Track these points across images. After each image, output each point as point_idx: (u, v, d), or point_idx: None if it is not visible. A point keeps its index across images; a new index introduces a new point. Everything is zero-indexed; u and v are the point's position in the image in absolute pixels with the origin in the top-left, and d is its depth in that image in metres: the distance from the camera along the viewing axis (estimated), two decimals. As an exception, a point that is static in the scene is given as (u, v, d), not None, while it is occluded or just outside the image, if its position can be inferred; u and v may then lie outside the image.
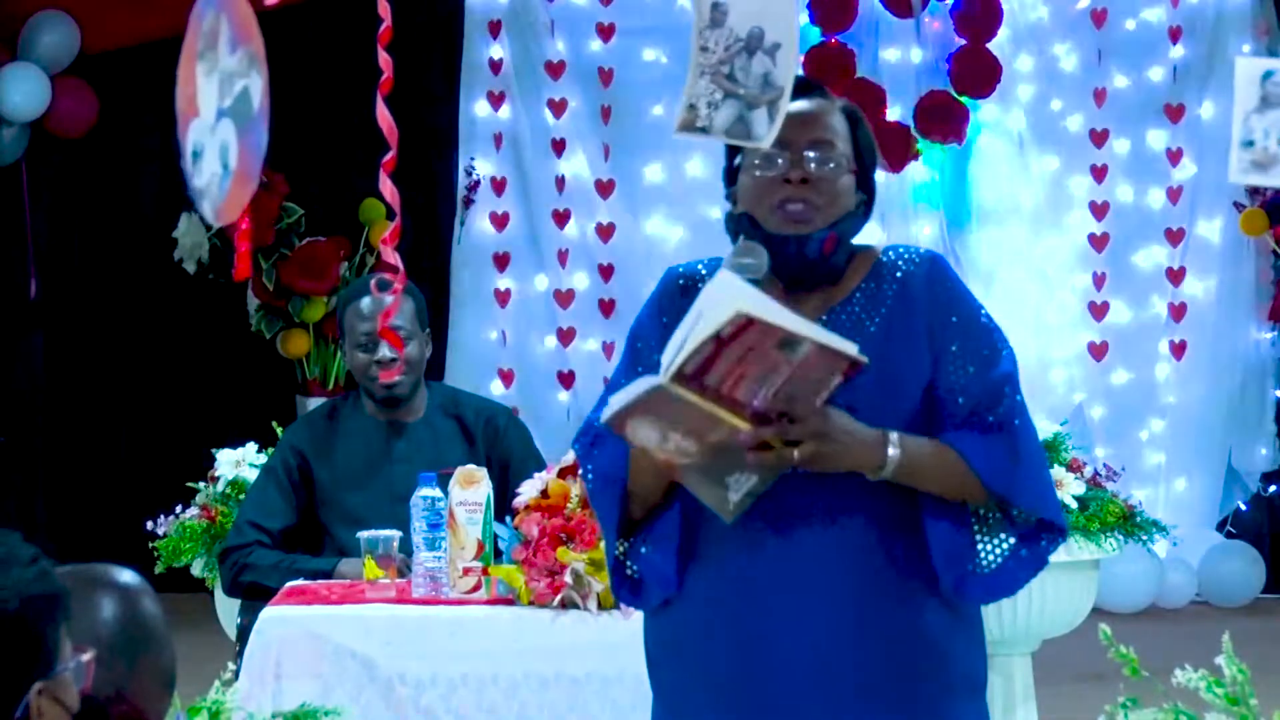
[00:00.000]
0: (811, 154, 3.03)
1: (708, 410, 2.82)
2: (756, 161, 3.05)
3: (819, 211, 3.03)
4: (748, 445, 2.84)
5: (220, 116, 3.06)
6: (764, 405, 2.83)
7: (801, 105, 3.05)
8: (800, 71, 2.93)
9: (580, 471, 3.20)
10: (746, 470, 2.88)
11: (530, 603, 4.34)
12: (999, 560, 3.03)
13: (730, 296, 2.77)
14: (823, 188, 3.03)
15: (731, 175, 3.13)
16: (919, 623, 3.02)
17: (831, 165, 3.04)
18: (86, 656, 2.25)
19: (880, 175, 3.25)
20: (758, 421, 2.83)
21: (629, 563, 3.11)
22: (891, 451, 2.93)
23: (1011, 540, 3.03)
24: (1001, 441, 3.01)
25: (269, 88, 2.94)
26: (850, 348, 2.81)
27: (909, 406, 3.02)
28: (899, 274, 3.09)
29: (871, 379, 2.92)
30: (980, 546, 3.03)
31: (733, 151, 3.10)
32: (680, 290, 3.11)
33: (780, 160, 3.03)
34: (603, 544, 4.28)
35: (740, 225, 3.07)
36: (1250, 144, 2.95)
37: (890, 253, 3.12)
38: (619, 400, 2.87)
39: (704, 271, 3.13)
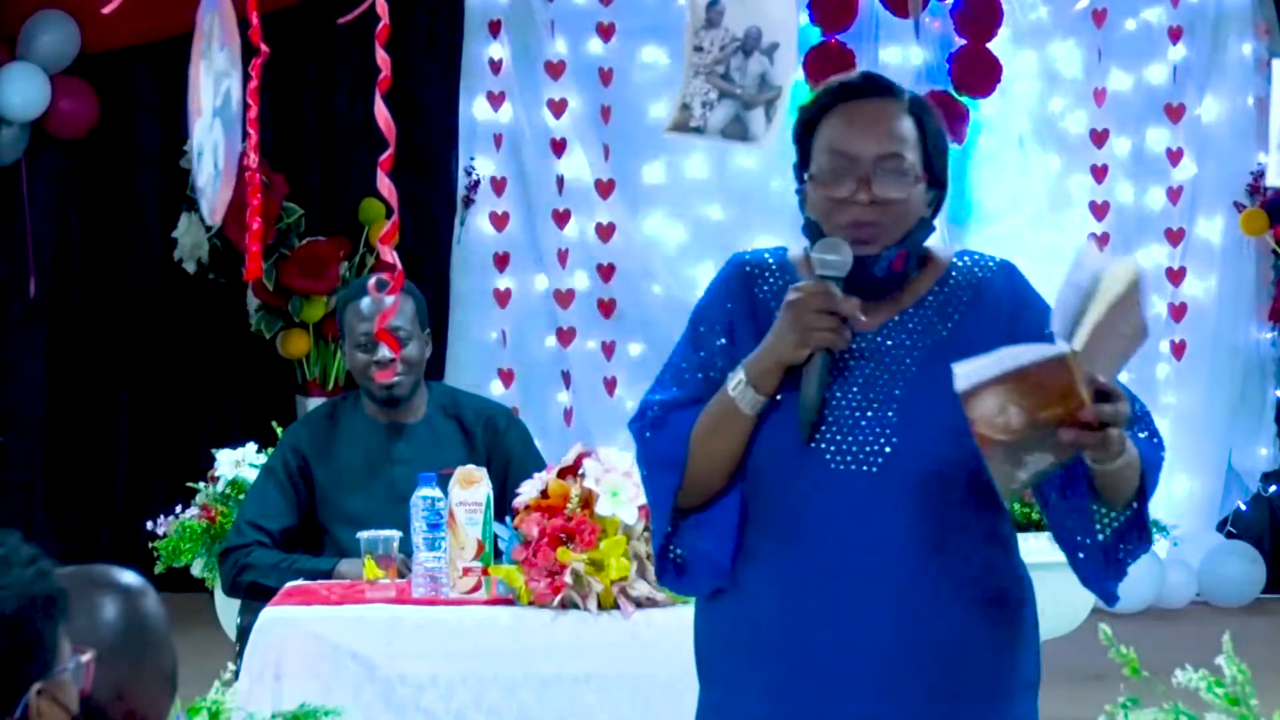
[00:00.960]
0: (880, 172, 2.99)
1: (1077, 384, 2.79)
2: (824, 177, 3.02)
3: (888, 231, 3.01)
4: (1087, 421, 2.79)
5: (214, 116, 3.08)
6: (1103, 385, 2.81)
7: (868, 112, 3.03)
8: (801, 72, 2.91)
9: (635, 452, 3.19)
10: (1050, 450, 2.84)
11: (530, 603, 4.34)
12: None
13: (1115, 264, 2.77)
14: (892, 209, 3.01)
15: (799, 172, 3.09)
16: (970, 622, 3.00)
17: (901, 182, 3.01)
18: (86, 657, 2.24)
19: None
20: (1096, 399, 2.81)
21: (674, 546, 3.09)
22: (1128, 444, 2.91)
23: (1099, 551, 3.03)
24: (1156, 445, 3.02)
25: (243, 86, 2.95)
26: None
27: None
28: (974, 280, 3.07)
29: (948, 382, 2.92)
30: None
31: (802, 148, 3.07)
32: (745, 277, 3.10)
33: (847, 178, 3.00)
34: (602, 544, 4.30)
35: (811, 234, 3.04)
36: None
37: (965, 258, 3.11)
38: (988, 367, 2.81)
39: (770, 260, 3.12)
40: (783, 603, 3.00)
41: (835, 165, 3.00)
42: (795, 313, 2.95)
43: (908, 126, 3.05)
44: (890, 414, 2.96)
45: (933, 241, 3.12)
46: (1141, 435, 3.00)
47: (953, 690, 3.00)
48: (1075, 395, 2.80)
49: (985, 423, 2.84)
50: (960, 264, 3.09)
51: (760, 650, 3.03)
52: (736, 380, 3.00)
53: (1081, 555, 3.02)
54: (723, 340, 3.08)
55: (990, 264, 3.11)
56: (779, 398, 2.98)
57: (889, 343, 3.04)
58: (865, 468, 2.97)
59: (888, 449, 2.97)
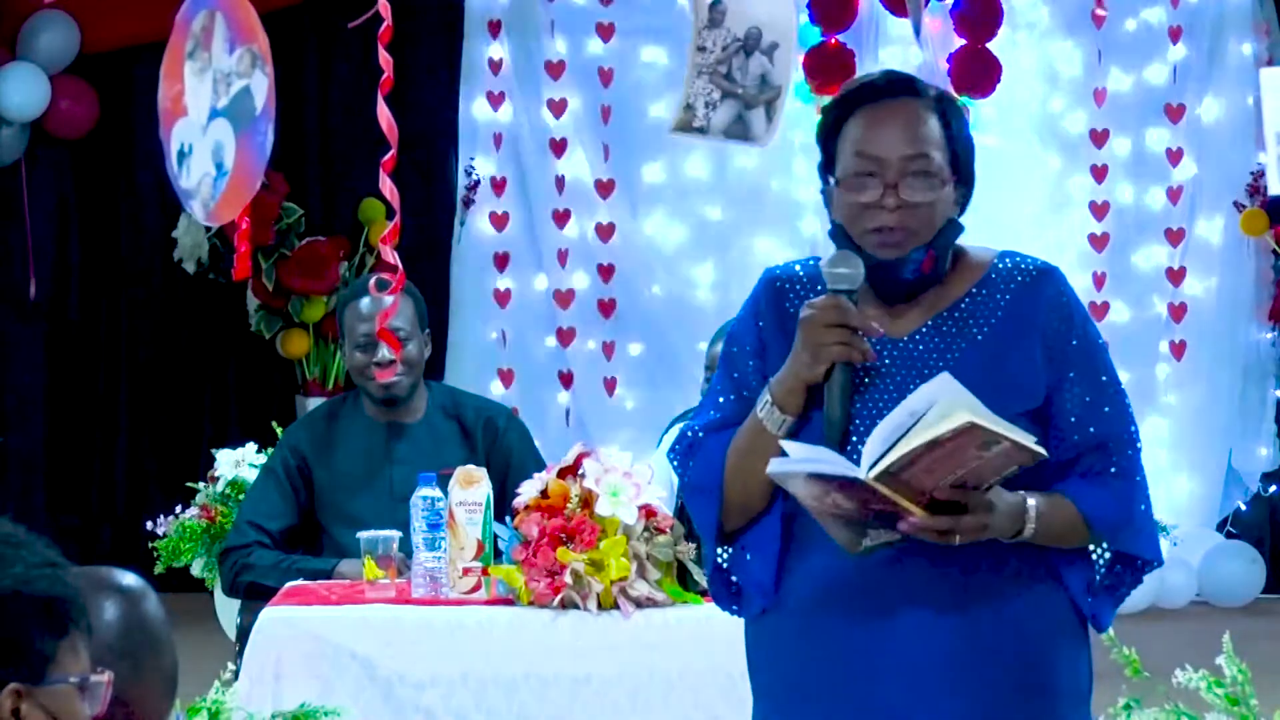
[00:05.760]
0: (908, 176, 2.95)
1: (888, 496, 2.79)
2: (850, 182, 2.97)
3: (917, 234, 2.96)
4: (916, 529, 2.82)
5: (214, 116, 3.06)
6: (943, 495, 2.80)
7: (893, 113, 2.98)
8: (800, 73, 2.91)
9: (678, 481, 3.17)
10: (892, 529, 2.84)
11: (530, 603, 4.34)
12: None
13: (954, 403, 2.74)
14: (921, 212, 2.96)
15: (824, 175, 3.05)
16: (1023, 637, 2.96)
17: (929, 185, 2.96)
18: (104, 677, 2.20)
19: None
20: (933, 508, 2.81)
21: (731, 572, 3.06)
22: (1029, 528, 2.90)
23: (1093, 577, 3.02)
24: (1120, 493, 2.98)
25: (274, 87, 2.93)
26: (1039, 447, 2.80)
27: (1023, 410, 2.94)
28: (1013, 284, 3.01)
29: (986, 384, 2.87)
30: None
31: (826, 150, 3.03)
32: (776, 292, 3.05)
33: (874, 181, 2.95)
34: (602, 544, 4.30)
35: (836, 240, 3.00)
36: None
37: (1006, 260, 3.04)
38: (797, 464, 2.82)
39: (800, 273, 3.06)
40: (829, 616, 2.97)
41: (861, 168, 2.96)
42: (806, 330, 2.91)
43: (933, 126, 2.99)
44: None
45: (969, 241, 3.08)
46: (1100, 486, 2.97)
47: (1003, 704, 2.95)
48: (900, 504, 2.79)
49: (811, 500, 2.85)
50: (1001, 266, 3.03)
51: (811, 665, 2.99)
52: (763, 401, 2.96)
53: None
54: (755, 360, 3.04)
55: (1032, 268, 3.03)
56: (808, 415, 2.94)
57: (921, 348, 2.98)
58: None
59: None
